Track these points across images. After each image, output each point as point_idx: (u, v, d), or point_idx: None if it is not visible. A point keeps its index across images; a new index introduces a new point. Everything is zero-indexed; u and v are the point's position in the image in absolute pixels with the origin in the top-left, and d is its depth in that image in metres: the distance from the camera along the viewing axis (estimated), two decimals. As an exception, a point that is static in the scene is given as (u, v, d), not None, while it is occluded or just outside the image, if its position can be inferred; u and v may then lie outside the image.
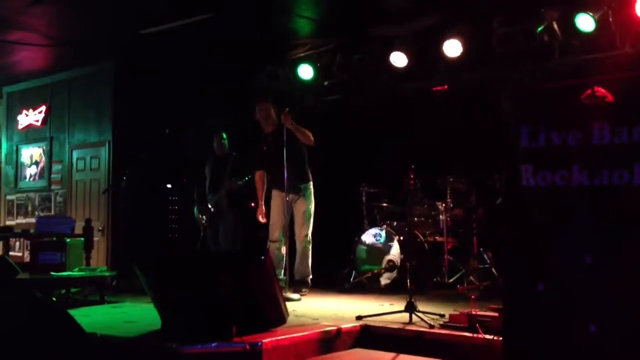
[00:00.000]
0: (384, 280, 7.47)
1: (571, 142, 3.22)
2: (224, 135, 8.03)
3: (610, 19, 6.60)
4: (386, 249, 7.61)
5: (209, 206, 7.85)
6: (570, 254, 3.15)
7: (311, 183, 7.07)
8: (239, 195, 7.80)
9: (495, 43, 7.18)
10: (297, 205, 6.96)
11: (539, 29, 6.89)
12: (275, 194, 7.06)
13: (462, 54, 7.48)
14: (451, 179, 7.61)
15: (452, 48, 7.50)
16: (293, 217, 7.04)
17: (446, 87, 5.36)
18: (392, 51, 7.93)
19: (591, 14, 6.60)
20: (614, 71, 6.55)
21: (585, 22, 6.68)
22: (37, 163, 10.89)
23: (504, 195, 6.18)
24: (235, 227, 7.86)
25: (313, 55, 8.73)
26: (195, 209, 8.06)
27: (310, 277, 7.00)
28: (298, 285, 6.80)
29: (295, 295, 6.47)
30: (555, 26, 6.85)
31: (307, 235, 6.95)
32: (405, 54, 7.89)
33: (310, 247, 6.97)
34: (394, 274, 7.39)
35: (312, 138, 6.90)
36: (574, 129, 3.22)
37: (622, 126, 3.11)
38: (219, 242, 7.85)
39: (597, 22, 6.62)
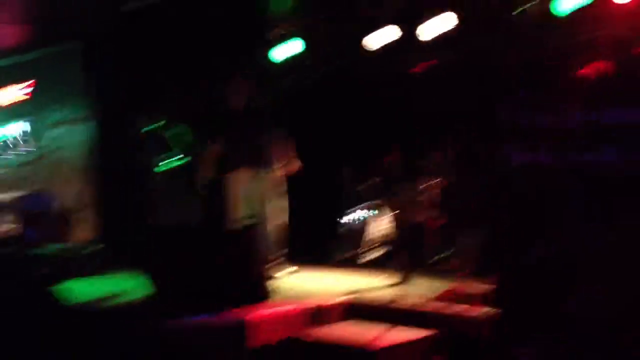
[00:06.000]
0: (374, 256, 7.58)
1: (551, 121, 3.34)
2: None
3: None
4: (374, 226, 7.72)
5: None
6: (557, 225, 3.27)
7: (277, 171, 6.81)
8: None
9: (476, 22, 7.24)
10: (266, 190, 6.69)
11: (516, 11, 6.96)
12: (241, 172, 6.82)
13: (444, 32, 7.53)
14: (436, 156, 7.65)
15: (434, 26, 7.54)
16: (264, 200, 6.78)
17: (430, 63, 5.39)
18: (374, 29, 7.95)
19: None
20: (589, 56, 6.64)
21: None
22: (14, 141, 10.80)
23: (490, 172, 6.27)
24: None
25: (294, 32, 8.69)
26: None
27: (283, 258, 6.74)
28: None
29: (292, 267, 6.53)
30: (532, 9, 6.92)
31: (282, 220, 6.71)
32: (388, 31, 7.91)
33: (284, 233, 6.72)
34: (384, 250, 7.50)
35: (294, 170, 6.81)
36: (554, 109, 3.34)
37: (594, 109, 3.24)
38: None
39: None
